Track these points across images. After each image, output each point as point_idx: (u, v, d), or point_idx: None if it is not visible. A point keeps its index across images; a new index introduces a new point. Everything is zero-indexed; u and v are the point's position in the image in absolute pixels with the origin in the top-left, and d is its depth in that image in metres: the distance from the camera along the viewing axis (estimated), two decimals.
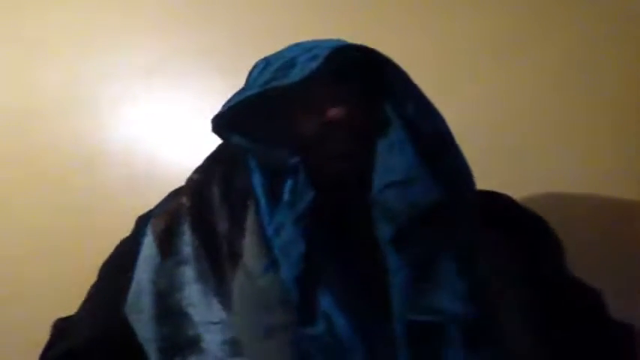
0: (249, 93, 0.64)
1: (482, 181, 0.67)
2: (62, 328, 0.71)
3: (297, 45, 0.69)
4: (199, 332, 0.61)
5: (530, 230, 0.72)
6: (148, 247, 0.67)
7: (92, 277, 0.73)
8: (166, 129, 1.12)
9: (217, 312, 0.61)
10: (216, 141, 1.08)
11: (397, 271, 0.58)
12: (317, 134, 0.63)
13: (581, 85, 1.03)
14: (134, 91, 1.13)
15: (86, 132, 1.12)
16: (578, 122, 1.02)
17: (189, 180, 0.70)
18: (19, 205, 1.12)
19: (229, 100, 0.66)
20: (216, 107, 1.09)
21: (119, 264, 0.70)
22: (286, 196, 0.62)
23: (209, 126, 1.08)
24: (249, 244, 0.62)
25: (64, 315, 0.72)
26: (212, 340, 0.60)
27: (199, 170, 0.71)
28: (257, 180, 0.64)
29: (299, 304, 0.58)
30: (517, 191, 0.82)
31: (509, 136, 1.04)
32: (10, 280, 1.09)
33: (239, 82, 1.08)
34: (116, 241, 0.74)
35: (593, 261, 0.86)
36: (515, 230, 0.70)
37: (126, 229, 0.74)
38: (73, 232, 1.09)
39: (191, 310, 0.62)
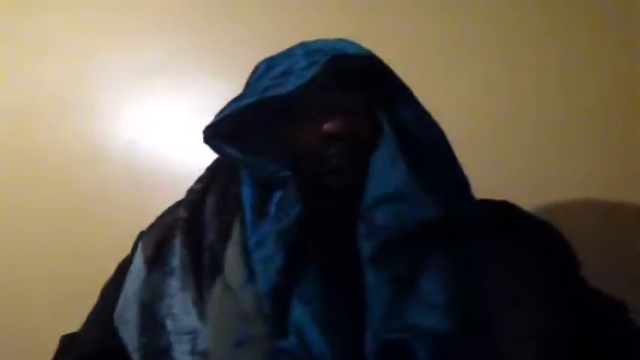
0: (243, 103, 0.61)
1: (478, 184, 0.66)
2: (67, 343, 0.72)
3: (302, 46, 0.66)
4: (171, 342, 0.61)
5: (542, 242, 0.67)
6: (137, 259, 0.67)
7: (95, 272, 0.74)
8: (167, 129, 1.13)
9: (191, 322, 0.61)
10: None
11: (375, 289, 0.56)
12: (312, 147, 0.61)
13: (586, 87, 1.03)
14: (135, 91, 1.14)
15: (87, 131, 1.13)
16: (580, 125, 1.02)
17: (189, 190, 0.69)
18: (20, 203, 1.12)
19: (223, 109, 0.63)
20: (215, 107, 1.10)
21: (116, 282, 0.70)
22: (272, 210, 0.61)
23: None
24: (230, 256, 0.61)
25: (64, 313, 0.73)
26: (182, 350, 0.60)
27: (200, 179, 0.69)
28: (246, 192, 0.63)
29: (272, 316, 0.57)
30: (516, 194, 0.81)
31: (511, 138, 1.04)
32: (11, 279, 1.09)
33: (239, 83, 1.08)
34: (118, 239, 0.74)
35: (593, 262, 0.86)
36: (527, 244, 0.65)
37: (129, 227, 0.74)
38: (75, 230, 1.10)
39: (168, 321, 0.62)
